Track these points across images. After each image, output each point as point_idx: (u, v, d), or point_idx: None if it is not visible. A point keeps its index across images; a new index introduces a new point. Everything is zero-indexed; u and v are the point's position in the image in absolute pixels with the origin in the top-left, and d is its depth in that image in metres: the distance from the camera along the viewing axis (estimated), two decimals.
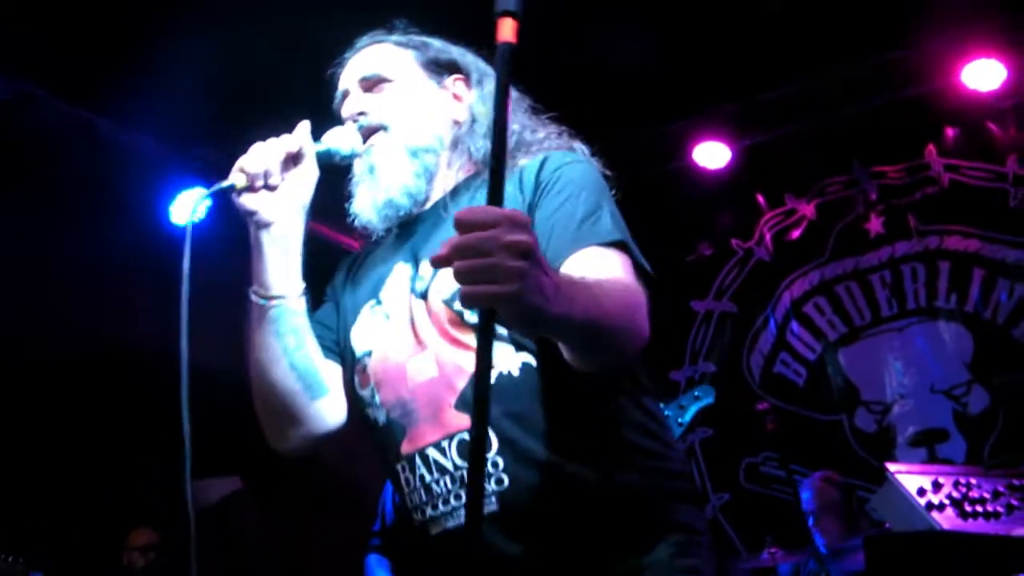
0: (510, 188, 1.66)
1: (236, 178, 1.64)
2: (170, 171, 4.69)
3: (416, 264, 1.72)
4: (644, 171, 5.39)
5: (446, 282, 1.61)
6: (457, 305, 1.59)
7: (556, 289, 1.28)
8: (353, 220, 1.80)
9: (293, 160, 1.68)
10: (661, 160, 5.43)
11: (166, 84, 3.89)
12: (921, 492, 3.12)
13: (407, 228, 1.79)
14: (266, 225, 1.65)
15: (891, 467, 3.24)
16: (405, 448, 1.62)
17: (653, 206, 5.12)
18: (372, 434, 1.70)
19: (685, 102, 5.04)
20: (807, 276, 5.46)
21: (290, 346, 1.66)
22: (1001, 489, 3.25)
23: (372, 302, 1.74)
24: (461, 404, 1.56)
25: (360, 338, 1.73)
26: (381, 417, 1.65)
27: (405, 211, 1.77)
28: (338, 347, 1.79)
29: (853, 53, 4.90)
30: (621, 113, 4.94)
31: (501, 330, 1.56)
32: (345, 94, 1.86)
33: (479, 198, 1.71)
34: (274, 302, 1.66)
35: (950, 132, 5.25)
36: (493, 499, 1.53)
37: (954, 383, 5.02)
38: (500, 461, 1.54)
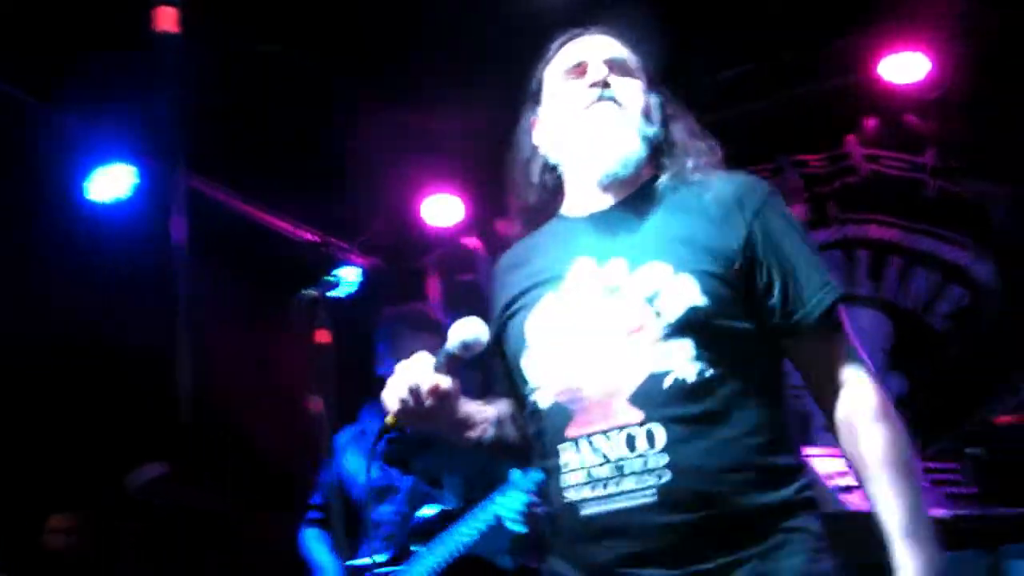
0: (700, 197, 1.88)
1: (391, 422, 1.83)
2: (88, 146, 4.61)
3: (601, 260, 1.82)
4: None
5: (646, 282, 1.75)
6: (656, 305, 1.72)
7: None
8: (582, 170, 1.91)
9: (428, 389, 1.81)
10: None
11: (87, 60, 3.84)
12: (832, 475, 3.22)
13: (580, 223, 1.91)
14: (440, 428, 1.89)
15: (805, 450, 3.33)
16: (570, 432, 1.75)
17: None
18: (529, 415, 1.86)
19: None
20: None
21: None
22: None
23: (551, 293, 1.86)
24: (633, 400, 1.69)
25: (536, 329, 1.86)
26: (546, 401, 1.77)
27: (618, 178, 1.89)
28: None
29: (779, 44, 4.99)
30: None
31: (683, 339, 1.71)
32: (583, 65, 1.94)
33: (673, 200, 1.89)
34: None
35: (871, 123, 5.36)
36: (653, 491, 1.66)
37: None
38: (665, 459, 1.67)
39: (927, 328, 5.08)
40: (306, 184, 5.14)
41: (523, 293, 1.92)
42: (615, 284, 1.78)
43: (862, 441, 1.78)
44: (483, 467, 3.30)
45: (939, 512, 3.12)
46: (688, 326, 1.72)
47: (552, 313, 1.85)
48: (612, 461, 1.70)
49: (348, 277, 4.71)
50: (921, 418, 4.93)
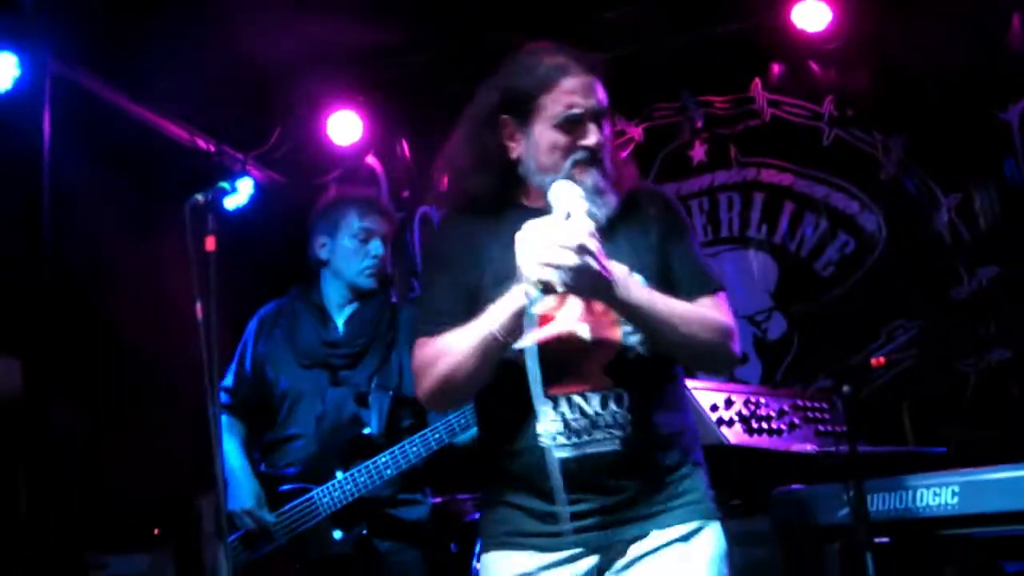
0: (637, 214, 2.24)
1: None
2: None
3: None
4: (478, 82, 5.38)
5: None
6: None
7: (621, 278, 2.01)
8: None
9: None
10: (495, 72, 5.41)
11: None
12: (714, 408, 3.30)
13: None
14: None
15: (688, 383, 3.42)
16: (553, 390, 2.06)
17: None
18: (505, 371, 2.09)
19: (523, 17, 5.03)
20: None
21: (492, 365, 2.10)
22: (786, 408, 3.48)
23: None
24: (606, 370, 2.10)
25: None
26: (530, 361, 1.95)
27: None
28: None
29: None
30: (459, 22, 4.91)
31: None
32: (583, 117, 2.18)
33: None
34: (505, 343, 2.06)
35: (776, 68, 5.43)
36: (617, 442, 2.08)
37: (757, 309, 5.30)
38: (630, 415, 2.09)
39: (812, 273, 5.23)
40: (204, 92, 4.99)
41: (508, 269, 2.08)
42: None
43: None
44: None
45: (808, 447, 3.24)
46: None
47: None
48: (588, 416, 2.09)
49: (242, 187, 4.63)
50: (801, 358, 5.12)
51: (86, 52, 4.46)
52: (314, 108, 5.65)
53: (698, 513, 2.15)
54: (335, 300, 3.42)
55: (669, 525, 2.11)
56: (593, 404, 2.11)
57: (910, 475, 2.56)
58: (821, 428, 3.47)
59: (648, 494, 2.12)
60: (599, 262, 1.95)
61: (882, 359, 2.76)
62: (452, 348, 2.10)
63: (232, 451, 3.31)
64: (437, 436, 3.08)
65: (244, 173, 5.38)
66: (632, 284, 2.07)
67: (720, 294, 2.23)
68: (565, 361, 2.10)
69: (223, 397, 3.33)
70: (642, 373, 2.13)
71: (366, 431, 3.23)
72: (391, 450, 3.13)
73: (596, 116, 2.20)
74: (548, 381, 2.00)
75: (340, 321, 3.40)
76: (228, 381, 3.40)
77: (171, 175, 5.05)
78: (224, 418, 3.34)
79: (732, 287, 5.35)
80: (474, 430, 3.01)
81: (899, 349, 4.88)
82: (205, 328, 2.28)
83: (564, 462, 2.04)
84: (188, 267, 2.34)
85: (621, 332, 2.13)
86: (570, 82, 2.22)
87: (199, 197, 2.41)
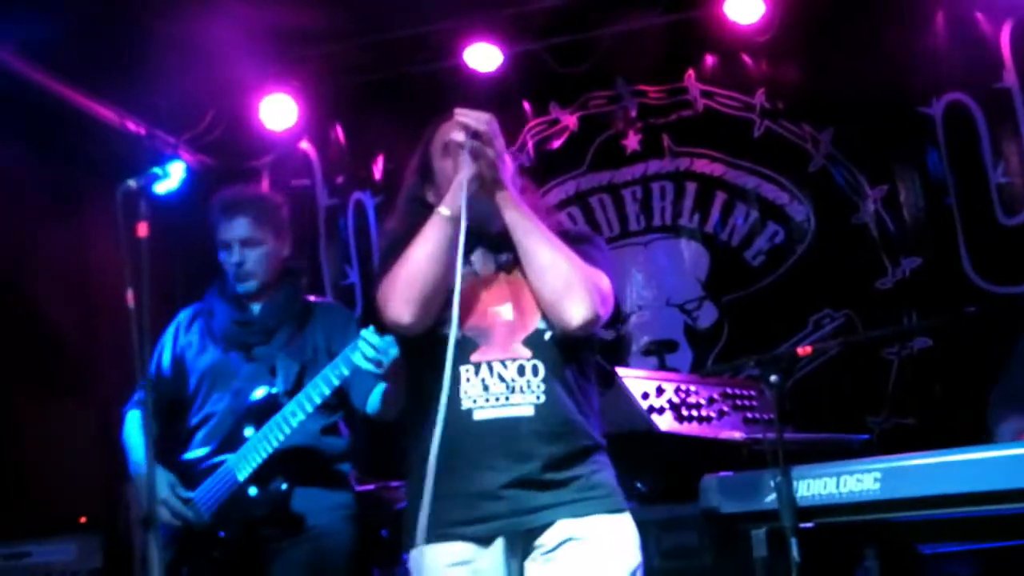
0: None
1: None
2: None
3: (497, 247, 2.40)
4: (414, 68, 5.37)
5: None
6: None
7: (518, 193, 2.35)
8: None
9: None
10: (432, 58, 5.41)
11: None
12: (645, 396, 3.36)
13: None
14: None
15: (620, 372, 3.46)
16: (475, 358, 2.28)
17: (421, 103, 5.11)
18: (432, 342, 2.26)
19: (460, 5, 5.03)
20: (564, 185, 5.63)
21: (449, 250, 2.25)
22: (716, 396, 3.55)
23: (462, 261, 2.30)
24: (525, 344, 2.30)
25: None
26: (456, 333, 2.15)
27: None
28: None
29: None
30: (396, 7, 4.89)
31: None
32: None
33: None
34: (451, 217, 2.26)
35: (709, 60, 5.49)
36: (531, 408, 2.25)
37: (688, 298, 5.37)
38: (543, 385, 2.27)
39: (743, 262, 5.31)
40: (135, 74, 4.90)
41: None
42: (506, 263, 2.39)
43: None
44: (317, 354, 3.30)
45: (736, 435, 3.31)
46: None
47: (466, 277, 2.32)
48: (506, 381, 2.26)
49: (174, 172, 4.55)
50: (731, 347, 5.20)
51: (14, 32, 4.35)
52: (247, 91, 5.58)
53: (610, 504, 2.28)
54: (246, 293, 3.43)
55: (584, 515, 2.24)
56: (511, 371, 2.27)
57: (834, 462, 2.63)
58: (749, 416, 3.55)
59: (558, 469, 2.25)
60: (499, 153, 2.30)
61: (809, 348, 2.82)
62: (409, 251, 2.30)
63: (138, 443, 3.29)
64: (337, 372, 3.04)
65: (176, 157, 5.29)
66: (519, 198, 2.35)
67: (601, 272, 2.37)
68: (486, 334, 2.31)
69: (138, 394, 3.33)
70: (556, 352, 2.31)
71: (272, 390, 3.22)
72: (295, 398, 3.12)
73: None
74: (470, 350, 2.28)
75: (254, 306, 3.41)
76: (142, 381, 3.38)
77: (101, 158, 4.96)
78: (134, 414, 3.36)
79: (665, 275, 5.44)
80: (382, 386, 3.04)
81: (825, 338, 4.99)
82: (136, 315, 2.25)
83: (483, 423, 2.24)
84: (118, 252, 2.31)
85: (539, 317, 2.32)
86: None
87: (131, 182, 2.37)
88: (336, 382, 3.03)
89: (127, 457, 3.34)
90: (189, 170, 5.20)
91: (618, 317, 2.49)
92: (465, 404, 2.26)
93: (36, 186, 4.86)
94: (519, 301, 2.34)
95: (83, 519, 4.13)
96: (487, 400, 2.26)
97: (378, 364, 2.72)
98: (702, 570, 3.28)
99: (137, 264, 2.29)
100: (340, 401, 3.27)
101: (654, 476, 3.59)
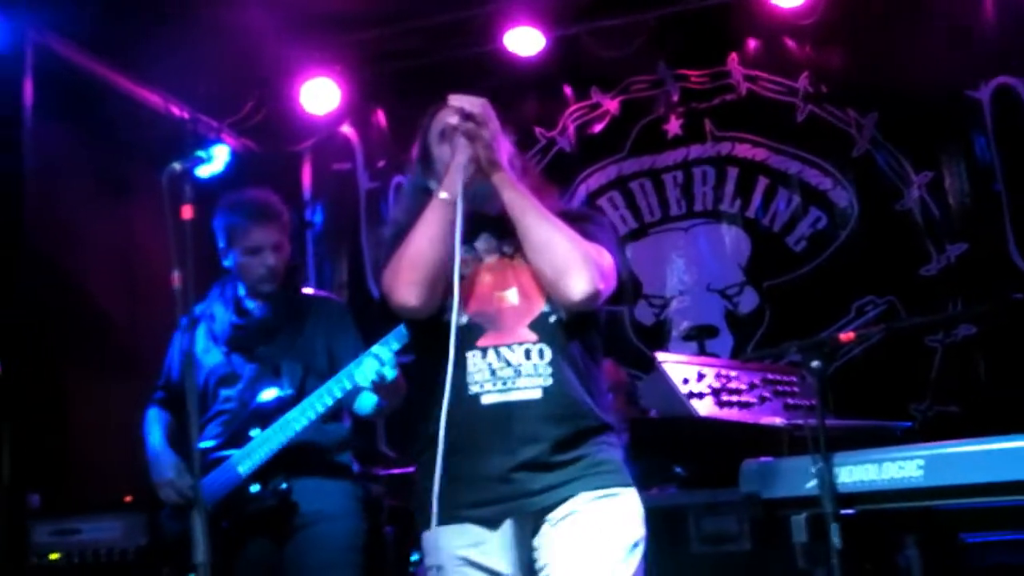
0: None
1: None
2: None
3: (500, 231, 2.38)
4: (455, 52, 5.37)
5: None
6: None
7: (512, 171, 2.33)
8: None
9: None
10: (474, 42, 5.41)
11: None
12: (685, 381, 3.35)
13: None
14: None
15: (660, 356, 3.45)
16: (481, 343, 2.29)
17: (462, 87, 5.10)
18: (438, 328, 2.27)
19: None
20: (605, 170, 5.62)
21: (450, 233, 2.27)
22: (756, 382, 3.53)
23: (466, 247, 2.35)
24: (530, 328, 2.30)
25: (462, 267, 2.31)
26: (463, 319, 2.27)
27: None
28: None
29: None
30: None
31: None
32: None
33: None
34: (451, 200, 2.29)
35: (752, 43, 5.45)
36: (539, 391, 2.25)
37: (729, 283, 5.34)
38: (550, 368, 2.27)
39: (785, 248, 5.27)
40: (179, 59, 4.95)
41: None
42: (512, 251, 2.38)
43: None
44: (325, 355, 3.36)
45: (777, 420, 3.29)
46: None
47: (467, 263, 2.36)
48: (513, 365, 2.27)
49: (217, 155, 4.60)
50: (772, 332, 5.17)
51: (61, 18, 4.41)
52: (289, 76, 5.62)
53: (615, 480, 2.28)
54: (247, 294, 3.50)
55: (588, 489, 2.25)
56: (518, 355, 2.28)
57: (876, 448, 2.60)
58: (790, 402, 3.52)
59: (565, 451, 2.26)
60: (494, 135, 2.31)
61: (851, 334, 2.79)
62: (411, 235, 2.32)
63: (153, 432, 3.44)
64: (340, 385, 3.12)
65: (219, 140, 5.34)
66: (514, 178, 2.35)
67: (601, 248, 2.37)
68: (493, 319, 2.32)
69: (156, 394, 3.50)
70: (562, 335, 2.31)
71: (280, 393, 3.30)
72: (299, 405, 3.20)
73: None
74: (476, 335, 2.30)
75: (253, 307, 3.49)
76: (160, 381, 3.52)
77: (146, 142, 5.02)
78: (153, 411, 3.49)
79: (705, 260, 5.41)
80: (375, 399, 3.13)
81: (868, 324, 4.95)
82: (181, 296, 2.28)
83: (490, 408, 2.25)
84: (164, 235, 2.34)
85: (544, 301, 2.32)
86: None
87: (176, 165, 2.40)
88: (339, 394, 3.12)
89: (145, 445, 3.45)
90: (232, 154, 5.29)
91: (622, 293, 2.39)
92: (472, 389, 2.28)
93: (83, 170, 4.92)
94: (524, 285, 2.35)
95: (128, 498, 4.19)
96: (494, 385, 2.28)
97: (380, 380, 2.75)
98: (741, 555, 3.27)
99: (182, 246, 2.32)
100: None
101: (693, 461, 3.58)
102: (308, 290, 3.64)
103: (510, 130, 2.47)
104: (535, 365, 2.28)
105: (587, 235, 2.35)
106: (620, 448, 2.37)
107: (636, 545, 2.25)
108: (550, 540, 2.24)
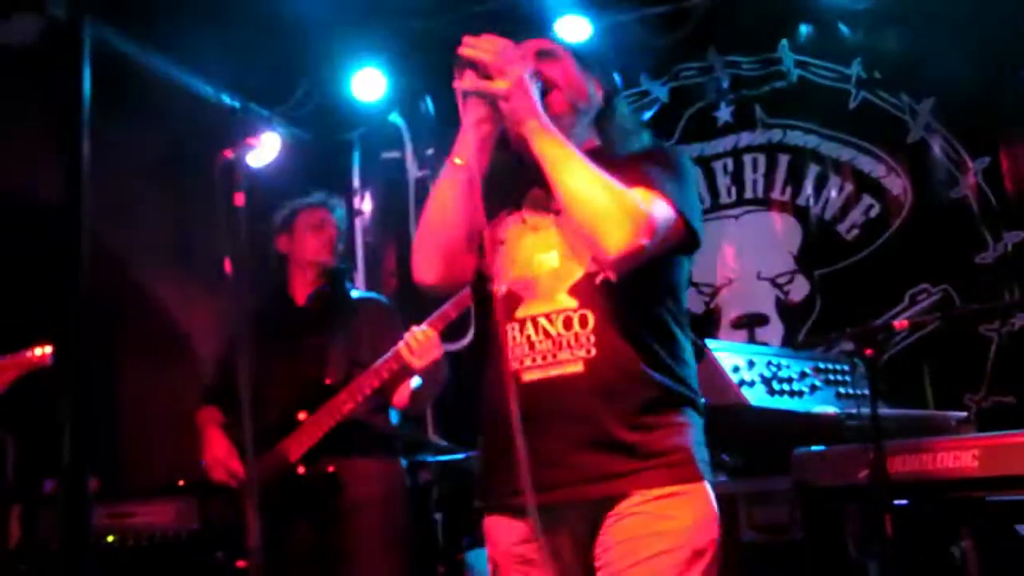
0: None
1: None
2: None
3: (550, 192, 2.09)
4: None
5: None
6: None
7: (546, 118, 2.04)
8: None
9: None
10: (522, 30, 5.37)
11: None
12: (735, 369, 3.32)
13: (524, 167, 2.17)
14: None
15: (711, 344, 3.43)
16: (519, 314, 2.11)
17: None
18: (485, 299, 2.13)
19: None
20: None
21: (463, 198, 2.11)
22: (808, 371, 3.49)
23: (512, 209, 2.22)
24: (571, 293, 2.10)
25: (501, 232, 2.21)
26: (503, 288, 2.11)
27: None
28: None
29: None
30: None
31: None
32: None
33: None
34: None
35: (804, 29, 5.38)
36: (581, 364, 2.05)
37: (779, 272, 5.29)
38: (594, 337, 2.05)
39: (836, 236, 5.21)
40: (229, 48, 4.99)
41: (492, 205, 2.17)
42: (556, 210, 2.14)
43: None
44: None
45: (829, 409, 3.26)
46: None
47: (510, 225, 2.22)
48: (552, 337, 2.08)
49: (269, 144, 4.65)
50: (824, 321, 5.11)
51: (114, 8, 4.48)
52: (339, 65, 5.64)
53: (681, 475, 2.03)
54: (296, 286, 3.57)
55: (647, 487, 2.00)
56: (557, 325, 2.08)
57: (930, 438, 2.57)
58: (842, 391, 3.48)
59: (623, 429, 2.02)
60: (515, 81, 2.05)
61: (905, 322, 2.75)
62: (425, 206, 2.20)
63: (202, 419, 3.53)
64: (387, 366, 3.16)
65: (270, 129, 5.39)
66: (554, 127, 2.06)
67: (660, 196, 2.04)
68: (531, 285, 2.13)
69: (207, 391, 3.61)
70: (610, 298, 2.07)
71: (326, 381, 3.35)
72: (347, 388, 3.24)
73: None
74: (515, 305, 2.13)
75: (301, 297, 3.56)
76: (208, 381, 3.62)
77: (198, 130, 5.07)
78: (205, 402, 3.59)
79: (756, 248, 5.36)
80: (417, 381, 3.23)
81: (922, 313, 4.87)
82: (234, 283, 2.30)
83: (531, 386, 2.06)
84: (216, 221, 2.36)
85: (588, 260, 2.09)
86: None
87: (228, 153, 2.43)
88: (385, 375, 3.14)
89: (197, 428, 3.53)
90: (283, 142, 5.34)
91: (694, 240, 2.13)
92: (513, 365, 2.07)
93: (137, 158, 4.99)
94: (568, 246, 2.12)
95: (181, 482, 4.26)
96: (533, 360, 2.08)
97: (421, 357, 2.75)
98: (792, 544, 3.25)
99: (234, 233, 2.34)
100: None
101: (744, 450, 3.56)
102: (355, 293, 3.70)
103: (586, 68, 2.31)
104: (576, 335, 2.06)
105: (643, 178, 2.06)
106: (695, 428, 2.11)
107: (701, 553, 1.99)
108: (605, 543, 2.03)
